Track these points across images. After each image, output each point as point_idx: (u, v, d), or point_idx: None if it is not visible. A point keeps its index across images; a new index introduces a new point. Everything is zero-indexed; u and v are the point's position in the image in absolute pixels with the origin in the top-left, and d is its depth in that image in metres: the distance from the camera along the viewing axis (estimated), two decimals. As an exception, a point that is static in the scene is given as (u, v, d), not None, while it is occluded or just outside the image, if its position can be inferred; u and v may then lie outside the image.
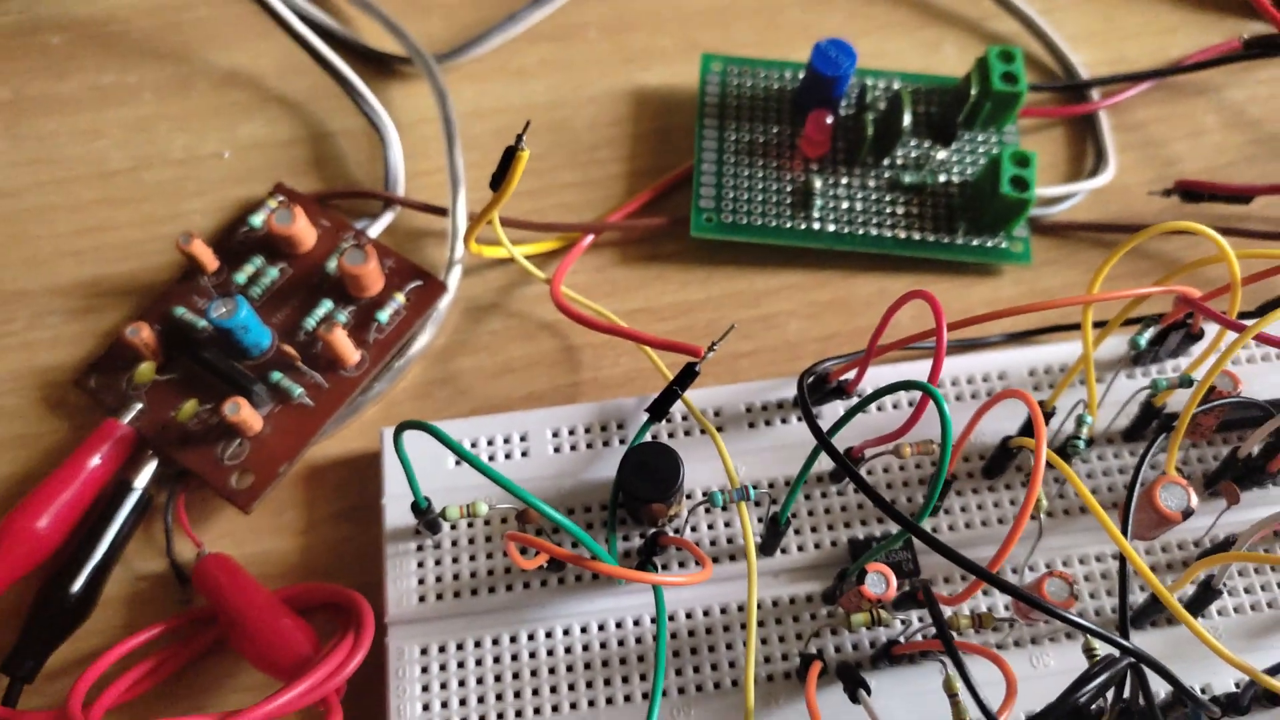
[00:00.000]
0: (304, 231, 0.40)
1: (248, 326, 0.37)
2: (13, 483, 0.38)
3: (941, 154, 0.44)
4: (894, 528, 0.35)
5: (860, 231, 0.42)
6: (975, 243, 0.42)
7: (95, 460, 0.37)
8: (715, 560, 0.35)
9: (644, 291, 0.42)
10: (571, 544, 0.35)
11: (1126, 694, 0.29)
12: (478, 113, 0.46)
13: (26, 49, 0.47)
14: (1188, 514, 0.29)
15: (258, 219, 0.41)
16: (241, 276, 0.41)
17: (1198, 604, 0.33)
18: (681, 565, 0.35)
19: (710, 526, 0.36)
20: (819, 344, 0.41)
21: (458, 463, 0.37)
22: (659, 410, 0.35)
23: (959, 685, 0.28)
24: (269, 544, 0.38)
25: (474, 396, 0.40)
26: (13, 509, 0.36)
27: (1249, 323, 0.31)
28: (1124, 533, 0.30)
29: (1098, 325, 0.35)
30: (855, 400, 0.36)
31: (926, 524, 0.36)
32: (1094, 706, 0.29)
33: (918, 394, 0.38)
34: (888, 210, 0.43)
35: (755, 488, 0.36)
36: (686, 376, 0.34)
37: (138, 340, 0.38)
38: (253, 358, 0.39)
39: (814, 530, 0.36)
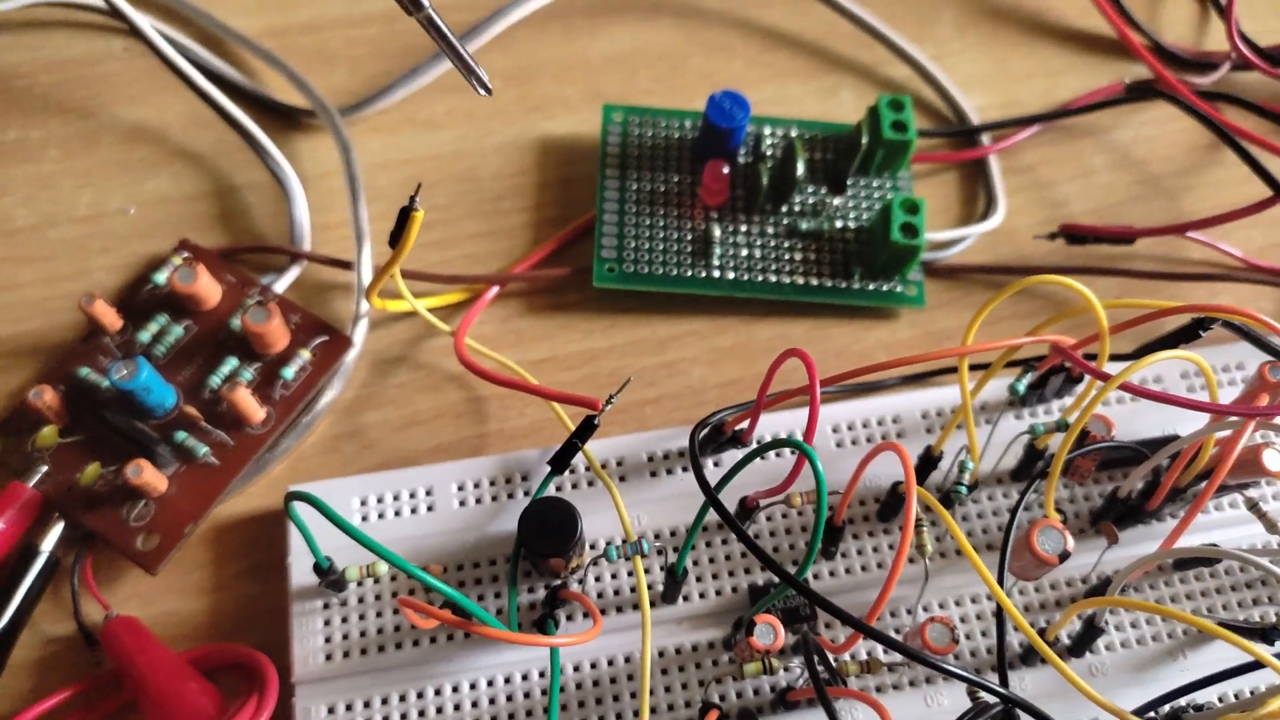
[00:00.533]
0: (207, 289, 0.41)
1: (149, 387, 0.37)
2: (-85, 550, 0.38)
3: (837, 201, 0.45)
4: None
5: (759, 278, 0.43)
6: (871, 287, 0.43)
7: (0, 525, 0.37)
8: (618, 610, 0.36)
9: (549, 341, 0.43)
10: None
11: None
12: (385, 164, 0.47)
13: (-73, 107, 0.47)
14: (1064, 557, 0.31)
15: (161, 276, 0.42)
16: (146, 335, 0.41)
17: (1084, 641, 0.34)
18: (586, 616, 0.36)
19: (614, 576, 0.37)
20: (721, 390, 0.42)
21: (364, 518, 0.37)
22: (560, 463, 0.36)
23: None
24: (177, 604, 0.38)
25: (381, 450, 0.41)
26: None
27: (1120, 366, 0.32)
28: (1000, 578, 0.31)
29: (983, 368, 0.37)
30: (752, 447, 0.37)
31: (824, 567, 0.37)
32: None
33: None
34: (786, 257, 0.44)
35: (657, 536, 0.37)
36: (585, 429, 0.35)
37: (40, 403, 0.38)
38: (157, 417, 0.39)
39: (715, 577, 0.37)
